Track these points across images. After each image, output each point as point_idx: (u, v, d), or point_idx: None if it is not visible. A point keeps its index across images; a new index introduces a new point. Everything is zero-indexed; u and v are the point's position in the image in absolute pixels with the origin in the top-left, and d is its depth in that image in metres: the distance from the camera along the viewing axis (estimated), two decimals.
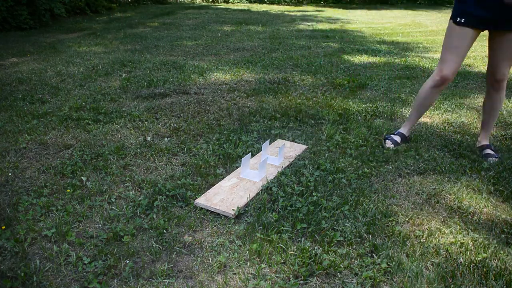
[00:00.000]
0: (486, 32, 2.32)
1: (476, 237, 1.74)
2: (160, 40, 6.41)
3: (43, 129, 2.78)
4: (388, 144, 2.60)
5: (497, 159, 2.45)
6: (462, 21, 2.24)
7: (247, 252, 1.62)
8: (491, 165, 2.36)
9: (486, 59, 5.29)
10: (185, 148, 2.53)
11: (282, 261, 1.58)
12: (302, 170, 2.24)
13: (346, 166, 2.32)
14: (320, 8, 13.74)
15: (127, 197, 2.00)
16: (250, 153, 2.27)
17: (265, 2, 15.50)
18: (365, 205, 1.94)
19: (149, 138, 2.67)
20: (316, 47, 6.13)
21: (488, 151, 2.51)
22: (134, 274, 1.50)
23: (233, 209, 1.86)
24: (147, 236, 1.71)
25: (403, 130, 2.67)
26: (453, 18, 2.30)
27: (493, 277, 1.51)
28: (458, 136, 2.81)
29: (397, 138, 2.63)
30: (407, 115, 2.89)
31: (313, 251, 1.62)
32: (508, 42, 2.24)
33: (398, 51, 5.96)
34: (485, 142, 2.58)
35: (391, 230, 1.77)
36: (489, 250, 1.65)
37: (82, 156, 2.39)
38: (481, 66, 5.03)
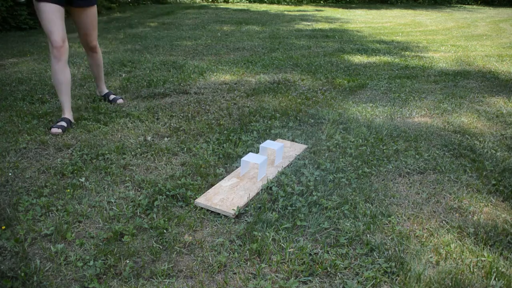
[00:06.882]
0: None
1: (477, 237, 1.74)
2: (160, 40, 6.40)
3: (43, 129, 2.78)
4: (55, 131, 2.73)
5: (122, 100, 3.35)
6: None
7: (247, 251, 1.62)
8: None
9: (486, 59, 5.32)
10: (185, 148, 2.53)
11: (282, 260, 1.58)
12: (302, 170, 2.24)
13: (346, 165, 2.32)
14: (319, 8, 13.74)
15: (127, 197, 2.00)
16: (250, 153, 2.27)
17: (265, 2, 15.49)
18: (365, 204, 1.94)
19: (149, 138, 2.67)
20: (316, 47, 6.13)
21: (112, 96, 3.35)
22: (134, 274, 1.50)
23: (233, 209, 1.86)
24: (147, 236, 1.71)
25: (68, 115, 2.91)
26: None
27: (494, 277, 1.51)
28: (458, 136, 2.81)
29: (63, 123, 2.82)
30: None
31: (314, 251, 1.62)
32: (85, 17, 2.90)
33: (398, 50, 5.96)
34: (106, 90, 3.40)
35: (391, 230, 1.77)
36: (490, 250, 1.65)
37: (82, 156, 2.39)
38: (481, 65, 5.03)
